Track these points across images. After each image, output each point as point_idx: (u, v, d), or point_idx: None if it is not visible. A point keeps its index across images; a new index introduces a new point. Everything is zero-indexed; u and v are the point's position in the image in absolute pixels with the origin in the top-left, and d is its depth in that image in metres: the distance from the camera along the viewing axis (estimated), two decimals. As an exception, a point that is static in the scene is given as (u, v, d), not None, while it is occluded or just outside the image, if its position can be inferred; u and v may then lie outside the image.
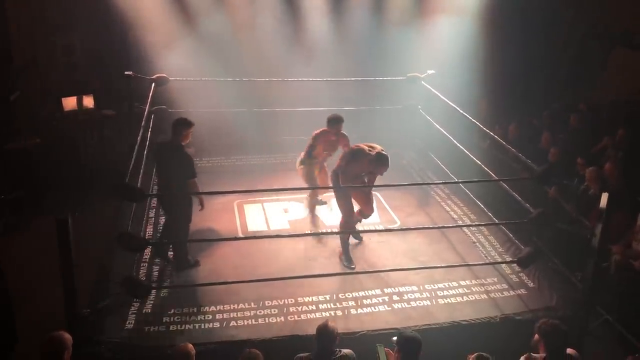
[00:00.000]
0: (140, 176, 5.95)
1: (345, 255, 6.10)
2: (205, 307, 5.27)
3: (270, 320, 5.16)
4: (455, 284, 5.76)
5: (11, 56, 8.90)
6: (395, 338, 3.92)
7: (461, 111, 6.78)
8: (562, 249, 6.27)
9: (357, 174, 5.98)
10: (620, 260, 5.79)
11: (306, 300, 5.44)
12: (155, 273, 5.88)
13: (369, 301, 5.46)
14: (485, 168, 6.32)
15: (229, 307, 5.28)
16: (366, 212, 6.26)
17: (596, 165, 6.78)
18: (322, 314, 5.22)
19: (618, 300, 5.72)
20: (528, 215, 5.33)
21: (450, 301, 5.51)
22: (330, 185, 6.18)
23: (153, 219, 6.92)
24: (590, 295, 5.21)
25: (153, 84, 7.28)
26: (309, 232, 6.77)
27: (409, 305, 5.41)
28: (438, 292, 5.62)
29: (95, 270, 5.74)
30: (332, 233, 6.48)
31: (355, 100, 8.87)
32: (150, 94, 7.11)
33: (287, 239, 6.35)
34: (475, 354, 3.74)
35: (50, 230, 4.47)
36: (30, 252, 6.66)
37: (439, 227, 6.79)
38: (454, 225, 7.00)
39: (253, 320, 5.15)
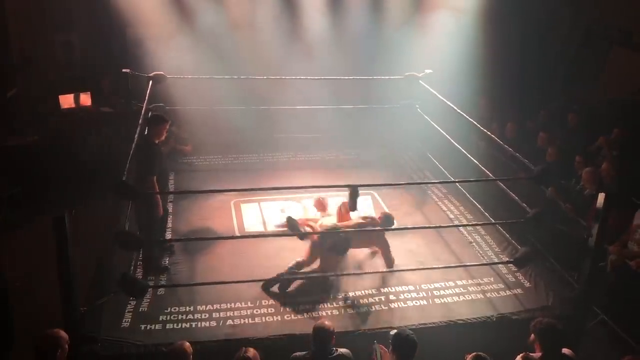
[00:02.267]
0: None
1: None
2: (202, 306, 5.27)
3: (267, 319, 5.16)
4: (451, 283, 5.77)
5: (9, 53, 8.89)
6: (392, 332, 3.92)
7: (459, 110, 6.78)
8: (558, 249, 6.28)
9: None
10: (616, 260, 5.81)
11: (303, 299, 5.44)
12: (152, 271, 5.88)
13: (365, 300, 5.46)
14: (483, 167, 6.33)
15: (225, 306, 5.28)
16: None
17: (592, 165, 6.80)
18: (318, 313, 5.22)
19: (614, 300, 5.74)
20: (525, 215, 5.34)
21: (446, 301, 5.52)
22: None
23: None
24: (587, 295, 5.22)
25: (150, 82, 7.27)
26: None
27: (406, 305, 5.42)
28: (435, 292, 5.63)
29: (92, 269, 5.73)
30: (331, 232, 6.45)
31: (352, 99, 8.87)
32: (148, 92, 7.10)
33: (284, 238, 6.34)
34: (473, 354, 3.75)
35: (48, 227, 4.47)
36: (27, 250, 6.65)
37: (435, 227, 6.79)
38: (451, 225, 7.01)
39: (250, 319, 5.14)
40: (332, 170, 8.40)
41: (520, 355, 4.02)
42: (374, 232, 5.84)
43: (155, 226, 5.84)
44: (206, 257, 6.12)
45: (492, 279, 5.88)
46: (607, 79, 9.92)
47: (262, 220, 7.07)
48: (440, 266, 5.95)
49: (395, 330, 3.98)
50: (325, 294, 5.52)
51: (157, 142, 5.76)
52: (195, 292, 5.43)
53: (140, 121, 6.50)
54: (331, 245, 5.52)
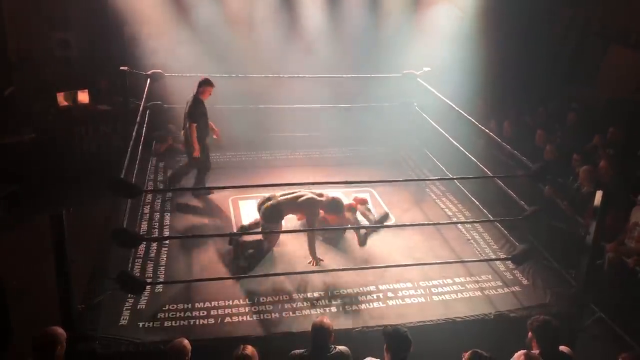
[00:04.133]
0: (135, 172, 5.94)
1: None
2: (200, 303, 5.26)
3: (265, 316, 5.16)
4: (449, 280, 5.77)
5: (6, 51, 8.88)
6: (386, 329, 3.92)
7: (457, 108, 6.78)
8: (556, 247, 6.30)
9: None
10: (613, 258, 5.82)
11: (301, 296, 5.44)
12: (150, 269, 5.87)
13: (363, 298, 5.46)
14: (481, 165, 6.33)
15: (223, 304, 5.28)
16: None
17: (588, 164, 6.81)
18: (317, 311, 5.22)
19: (611, 297, 5.75)
20: (523, 212, 5.35)
21: (444, 298, 5.52)
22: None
23: (148, 215, 6.91)
24: (584, 292, 5.23)
25: (148, 80, 7.27)
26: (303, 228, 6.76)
27: (404, 302, 5.42)
28: (432, 289, 5.63)
29: (90, 266, 5.73)
30: (326, 229, 6.46)
31: (351, 97, 8.87)
32: (146, 90, 7.10)
33: (282, 235, 6.34)
34: (470, 351, 3.75)
35: (45, 225, 4.46)
36: (24, 248, 6.65)
37: (434, 224, 6.79)
38: (449, 222, 7.01)
39: (248, 316, 5.14)
40: (330, 168, 8.41)
41: (519, 352, 4.02)
42: (308, 205, 6.00)
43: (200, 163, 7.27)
44: (204, 254, 6.11)
45: (490, 277, 5.89)
46: (605, 77, 9.93)
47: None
48: (438, 262, 5.95)
49: (388, 328, 3.98)
50: (324, 292, 5.52)
51: (202, 99, 7.03)
52: (193, 290, 5.43)
53: (137, 119, 6.52)
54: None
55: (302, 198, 6.02)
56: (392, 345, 3.82)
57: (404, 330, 3.89)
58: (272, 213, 5.92)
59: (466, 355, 3.76)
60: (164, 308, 5.20)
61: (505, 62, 10.25)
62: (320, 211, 6.12)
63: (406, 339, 3.82)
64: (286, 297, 5.41)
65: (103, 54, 9.42)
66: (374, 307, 5.34)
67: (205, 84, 7.03)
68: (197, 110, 6.98)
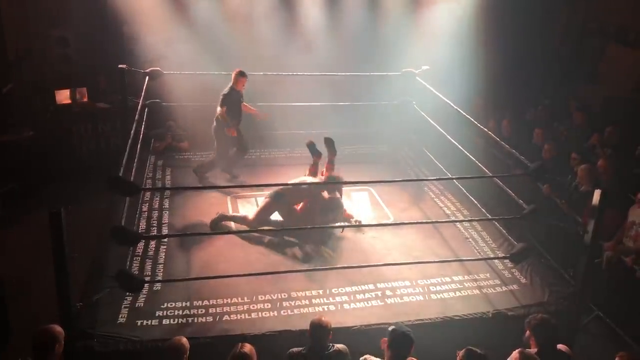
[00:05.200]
0: (133, 170, 5.94)
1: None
2: (198, 302, 5.26)
3: (263, 314, 5.15)
4: (448, 279, 5.77)
5: (4, 48, 8.86)
6: (390, 328, 3.92)
7: (455, 107, 6.78)
8: (554, 245, 6.30)
9: None
10: (611, 257, 5.83)
11: (299, 294, 5.43)
12: (149, 267, 5.87)
13: (362, 296, 5.46)
14: (479, 164, 6.33)
15: (221, 302, 5.27)
16: None
17: (587, 163, 6.81)
18: (315, 309, 5.22)
19: (609, 296, 5.76)
20: (521, 211, 5.35)
21: (443, 296, 5.52)
22: None
23: (146, 213, 6.90)
24: (582, 291, 5.24)
25: (147, 78, 7.26)
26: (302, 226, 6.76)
27: (402, 301, 5.42)
28: (431, 288, 5.63)
29: (88, 264, 5.73)
30: (327, 227, 6.46)
31: (349, 96, 8.87)
32: (144, 88, 7.09)
33: (281, 233, 6.34)
34: (464, 349, 3.75)
35: (44, 223, 4.45)
36: (23, 246, 6.64)
37: (432, 222, 6.79)
38: (447, 220, 7.01)
39: (246, 314, 5.14)
40: (329, 166, 8.40)
41: (517, 350, 4.03)
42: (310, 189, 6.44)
43: (224, 148, 7.76)
44: (202, 252, 6.12)
45: (488, 275, 5.89)
46: (603, 76, 9.93)
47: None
48: (436, 260, 5.95)
49: (392, 326, 3.98)
50: (322, 290, 5.52)
51: (236, 88, 7.48)
52: (192, 288, 5.43)
53: (136, 117, 6.51)
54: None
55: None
56: (394, 343, 3.82)
57: (408, 330, 3.90)
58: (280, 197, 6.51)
59: (460, 353, 3.76)
60: (162, 306, 5.20)
61: (504, 60, 10.25)
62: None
63: (409, 338, 3.82)
64: (284, 295, 5.41)
65: (101, 52, 9.40)
66: (372, 306, 5.34)
67: (238, 75, 7.46)
68: (227, 98, 7.41)
